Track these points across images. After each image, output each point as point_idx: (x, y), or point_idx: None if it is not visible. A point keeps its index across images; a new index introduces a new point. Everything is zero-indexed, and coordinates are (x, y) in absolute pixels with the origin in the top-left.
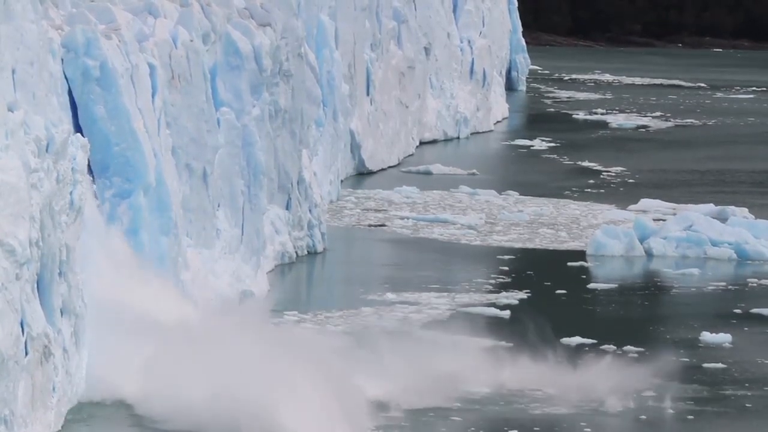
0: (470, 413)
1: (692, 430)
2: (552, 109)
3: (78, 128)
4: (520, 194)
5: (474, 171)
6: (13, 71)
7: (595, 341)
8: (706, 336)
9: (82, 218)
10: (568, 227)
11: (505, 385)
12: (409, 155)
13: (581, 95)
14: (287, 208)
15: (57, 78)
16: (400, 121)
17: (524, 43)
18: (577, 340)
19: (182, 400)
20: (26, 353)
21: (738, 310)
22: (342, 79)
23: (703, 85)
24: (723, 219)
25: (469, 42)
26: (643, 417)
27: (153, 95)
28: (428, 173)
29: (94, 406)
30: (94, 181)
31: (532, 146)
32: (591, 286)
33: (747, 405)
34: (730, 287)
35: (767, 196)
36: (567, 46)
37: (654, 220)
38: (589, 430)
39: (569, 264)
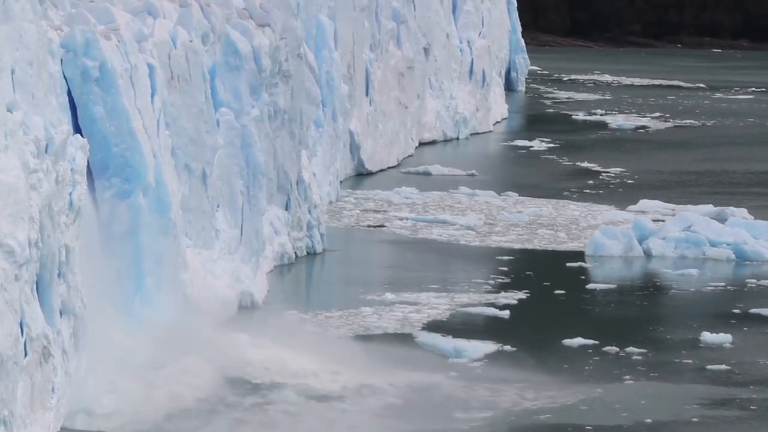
0: (474, 416)
1: None
2: (551, 110)
3: (77, 129)
4: (520, 195)
5: (473, 172)
6: (12, 72)
7: (596, 342)
8: (707, 336)
9: (81, 219)
10: (567, 228)
11: (509, 386)
12: (409, 156)
13: (580, 96)
14: (286, 208)
15: (56, 78)
16: (399, 121)
17: (523, 44)
18: (578, 341)
19: None
20: (25, 354)
21: (737, 311)
22: (341, 80)
23: (702, 85)
24: (722, 220)
25: (468, 42)
26: (648, 420)
27: (152, 96)
28: (427, 174)
29: None
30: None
31: (532, 147)
32: (590, 286)
33: (752, 407)
34: (729, 288)
35: (766, 197)
36: (566, 46)
37: (653, 220)
38: None
39: (568, 264)
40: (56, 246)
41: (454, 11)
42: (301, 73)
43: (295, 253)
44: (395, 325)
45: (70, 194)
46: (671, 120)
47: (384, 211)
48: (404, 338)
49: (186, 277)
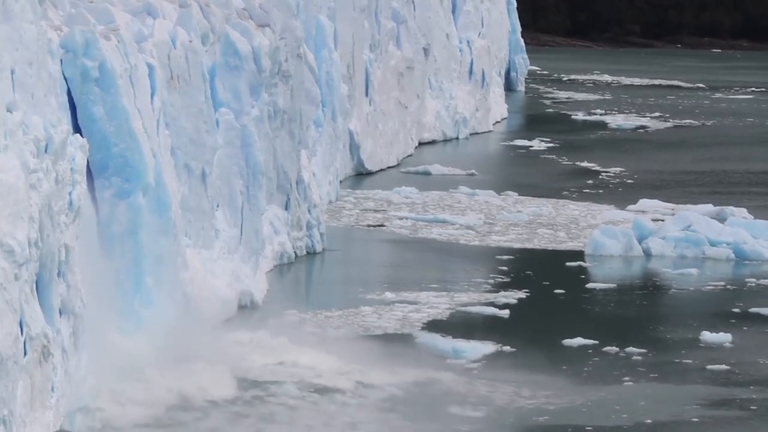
0: (472, 415)
1: None
2: (551, 110)
3: (77, 129)
4: (519, 194)
5: (473, 171)
6: (12, 72)
7: (596, 342)
8: (707, 336)
9: (80, 219)
10: (567, 227)
11: (509, 386)
12: (408, 156)
13: (580, 96)
14: (286, 208)
15: (56, 78)
16: (399, 121)
17: (523, 44)
18: (578, 341)
19: None
20: (25, 353)
21: (737, 310)
22: (341, 80)
23: (701, 85)
24: (721, 219)
25: (468, 42)
26: (648, 421)
27: (152, 96)
28: (427, 174)
29: None
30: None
31: (531, 147)
32: (589, 286)
33: (752, 407)
34: (728, 287)
35: (766, 197)
36: (566, 46)
37: (652, 220)
38: None
39: (568, 264)
40: (56, 245)
41: (453, 11)
42: (300, 73)
43: (295, 252)
44: (395, 324)
45: (70, 194)
46: (671, 120)
47: (384, 210)
48: (404, 338)
49: (186, 276)
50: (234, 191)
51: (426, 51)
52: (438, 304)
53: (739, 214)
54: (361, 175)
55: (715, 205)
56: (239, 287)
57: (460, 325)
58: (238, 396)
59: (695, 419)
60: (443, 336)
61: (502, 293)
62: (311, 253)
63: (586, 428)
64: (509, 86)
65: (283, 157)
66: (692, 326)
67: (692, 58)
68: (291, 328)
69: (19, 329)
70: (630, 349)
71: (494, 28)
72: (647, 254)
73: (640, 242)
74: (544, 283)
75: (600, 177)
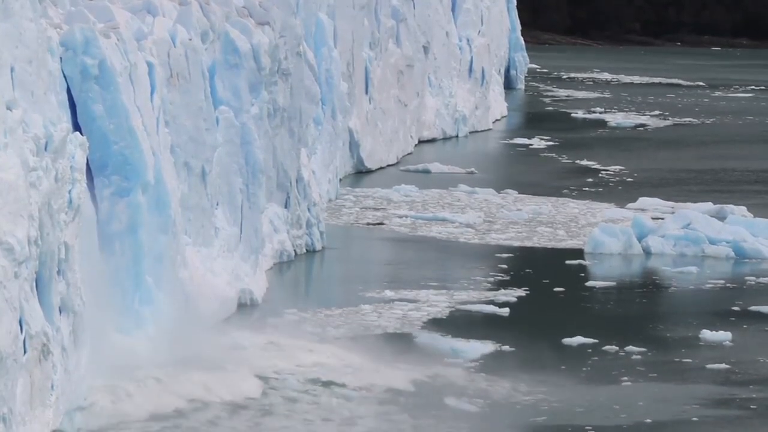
0: (471, 412)
1: None
2: (550, 108)
3: (77, 127)
4: (519, 193)
5: (472, 170)
6: (12, 69)
7: (596, 341)
8: (707, 334)
9: (80, 217)
10: (567, 226)
11: (509, 385)
12: (408, 154)
13: (580, 94)
14: (286, 206)
15: (56, 76)
16: (398, 119)
17: (523, 42)
18: (578, 340)
19: None
20: (25, 351)
21: (737, 308)
22: (340, 78)
23: (701, 83)
24: (721, 217)
25: (467, 41)
26: (648, 420)
27: (152, 94)
28: (427, 172)
29: None
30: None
31: (531, 145)
32: (589, 284)
33: (752, 406)
34: (728, 285)
35: (765, 195)
36: (566, 44)
37: (652, 218)
38: None
39: (567, 262)
40: (55, 244)
41: (453, 9)
42: (300, 71)
43: (295, 250)
44: (395, 323)
45: (70, 192)
46: (670, 118)
47: (383, 208)
48: (403, 336)
49: (185, 275)
50: (234, 189)
51: (426, 49)
52: (438, 302)
53: (738, 212)
54: (360, 174)
55: (714, 204)
56: (239, 285)
57: (460, 324)
58: (237, 391)
59: (695, 419)
60: (443, 334)
61: (502, 291)
62: (311, 252)
63: (586, 428)
64: (509, 84)
65: (283, 155)
66: (692, 325)
67: (692, 56)
68: (291, 326)
69: (19, 327)
70: (630, 347)
71: (494, 26)
72: (647, 252)
73: (639, 240)
74: (544, 281)
75: (600, 175)
